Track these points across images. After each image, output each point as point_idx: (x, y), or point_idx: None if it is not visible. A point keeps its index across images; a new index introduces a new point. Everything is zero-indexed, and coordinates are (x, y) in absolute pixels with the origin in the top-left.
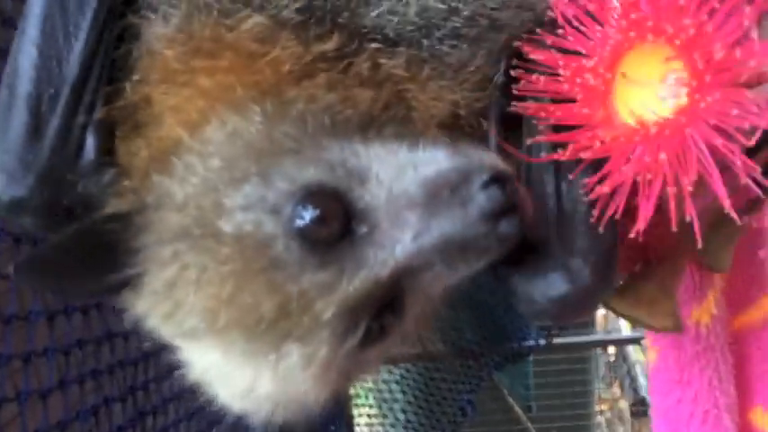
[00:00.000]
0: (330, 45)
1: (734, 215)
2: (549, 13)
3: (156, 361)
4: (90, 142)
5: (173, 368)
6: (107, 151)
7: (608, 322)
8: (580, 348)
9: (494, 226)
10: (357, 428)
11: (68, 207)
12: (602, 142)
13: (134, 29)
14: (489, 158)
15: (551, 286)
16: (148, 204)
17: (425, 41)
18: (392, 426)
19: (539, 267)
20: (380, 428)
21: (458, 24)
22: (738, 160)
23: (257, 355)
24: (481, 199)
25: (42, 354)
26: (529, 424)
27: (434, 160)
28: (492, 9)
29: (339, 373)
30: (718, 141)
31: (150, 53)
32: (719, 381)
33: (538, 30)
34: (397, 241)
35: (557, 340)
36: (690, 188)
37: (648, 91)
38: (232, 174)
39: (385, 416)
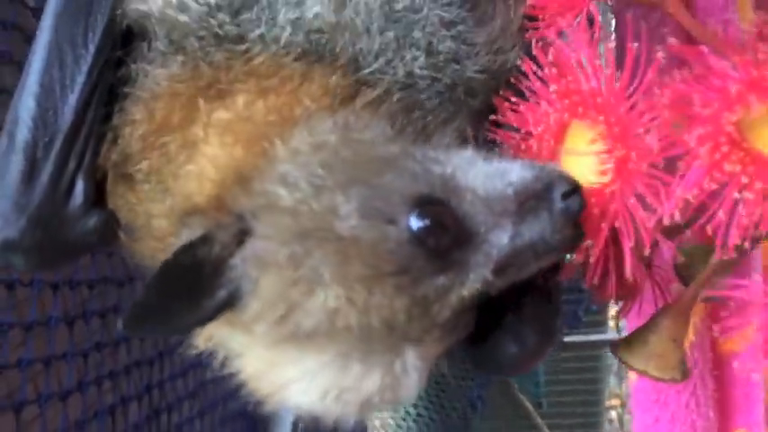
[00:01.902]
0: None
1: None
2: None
3: (171, 359)
4: (79, 187)
5: (187, 366)
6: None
7: (620, 321)
8: (592, 347)
9: (574, 230)
10: (368, 423)
11: (60, 247)
12: None
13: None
14: (564, 171)
15: (501, 352)
16: (243, 216)
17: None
18: (403, 419)
19: (491, 338)
20: (391, 421)
21: (441, 90)
22: (644, 233)
23: (374, 354)
24: (565, 205)
25: (62, 357)
26: (539, 420)
27: (516, 170)
28: (468, 77)
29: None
30: (640, 213)
31: (158, 92)
32: (697, 404)
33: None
34: (496, 245)
35: (568, 339)
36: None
37: (586, 161)
38: (336, 180)
39: (396, 410)
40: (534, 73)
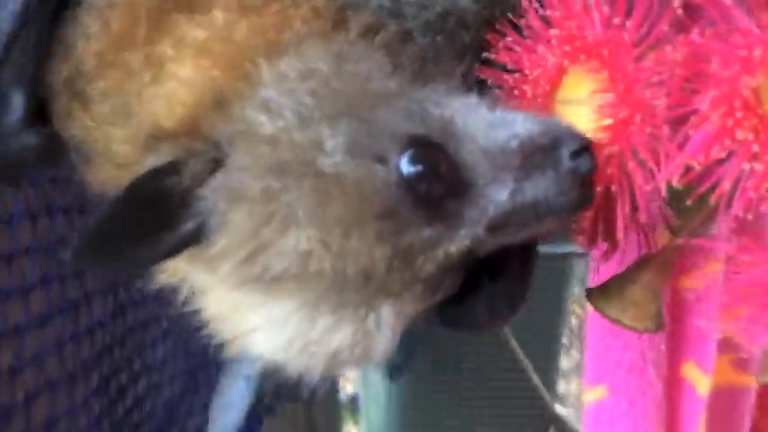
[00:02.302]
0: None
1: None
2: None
3: None
4: (17, 100)
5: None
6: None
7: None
8: (558, 258)
9: (581, 191)
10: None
11: None
12: None
13: None
14: (574, 127)
15: (472, 315)
16: (218, 143)
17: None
18: None
19: (466, 302)
20: None
21: (431, 18)
22: (641, 198)
23: (346, 307)
24: (573, 164)
25: (25, 252)
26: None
27: (522, 121)
28: (461, 7)
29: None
30: (638, 179)
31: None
32: (649, 335)
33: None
34: (494, 199)
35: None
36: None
37: (584, 113)
38: (324, 111)
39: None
40: (535, 10)
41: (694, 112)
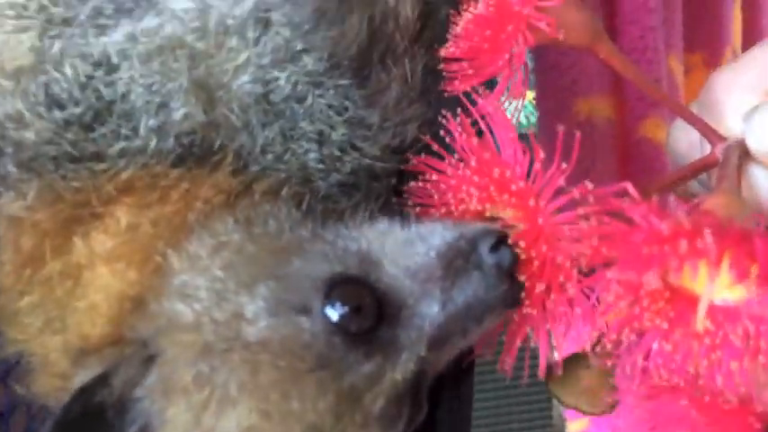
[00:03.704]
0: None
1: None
2: None
3: None
4: None
5: None
6: None
7: None
8: None
9: (510, 284)
10: None
11: None
12: None
13: None
14: (487, 225)
15: None
16: (145, 342)
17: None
18: None
19: None
20: None
21: (342, 180)
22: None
23: None
24: (495, 259)
25: None
26: None
27: (437, 232)
28: (368, 163)
29: None
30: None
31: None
32: None
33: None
34: (427, 315)
35: None
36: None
37: None
38: (240, 280)
39: None
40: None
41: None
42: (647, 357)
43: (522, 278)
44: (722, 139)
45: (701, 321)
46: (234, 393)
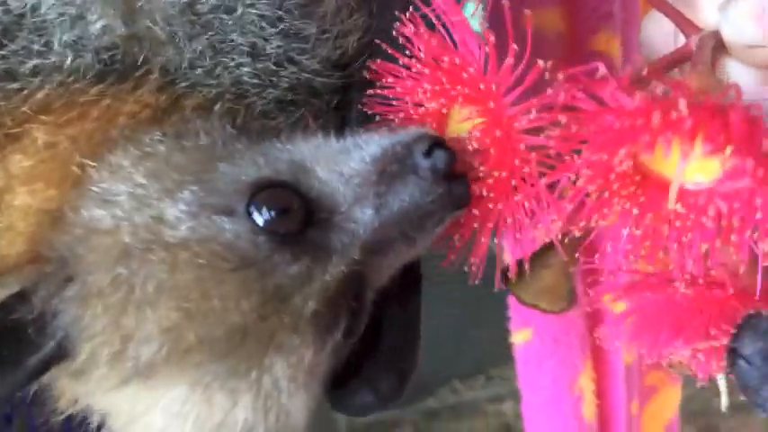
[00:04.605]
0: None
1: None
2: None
3: None
4: None
5: None
6: None
7: None
8: None
9: (448, 187)
10: None
11: None
12: None
13: None
14: (422, 129)
15: (357, 397)
16: (65, 258)
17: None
18: None
19: (349, 385)
20: None
21: (279, 96)
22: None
23: (235, 374)
24: (430, 163)
25: None
26: None
27: (372, 140)
28: (307, 77)
29: (322, 375)
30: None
31: None
32: None
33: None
34: (360, 219)
35: None
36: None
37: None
38: (163, 186)
39: None
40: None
41: (575, 174)
42: (616, 244)
43: (466, 178)
44: (697, 29)
45: (672, 203)
46: (152, 293)
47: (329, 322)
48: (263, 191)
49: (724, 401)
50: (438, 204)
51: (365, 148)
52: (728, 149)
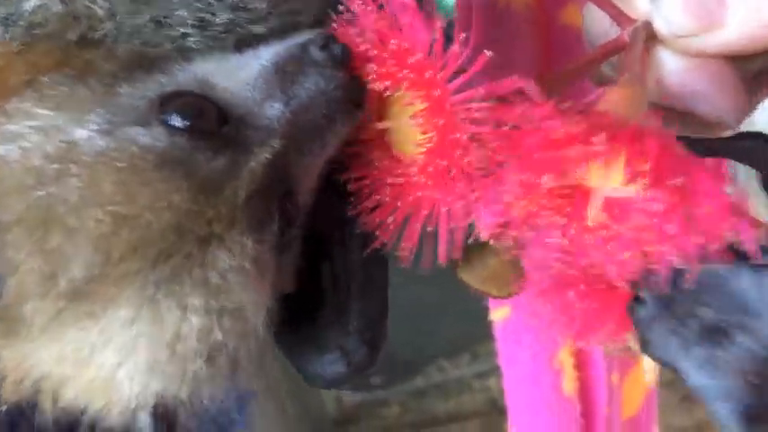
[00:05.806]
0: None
1: None
2: None
3: None
4: None
5: None
6: None
7: None
8: None
9: (349, 77)
10: None
11: None
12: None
13: None
14: (314, 30)
15: (328, 367)
16: None
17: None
18: None
19: (315, 348)
20: None
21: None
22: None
23: (178, 278)
24: (327, 53)
25: None
26: None
27: (268, 48)
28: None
29: (271, 276)
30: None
31: None
32: None
33: None
34: (273, 112)
35: None
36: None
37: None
38: (70, 116)
39: None
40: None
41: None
42: (544, 251)
43: (360, 73)
44: (631, 21)
45: (594, 217)
46: (75, 204)
47: (262, 213)
48: (171, 101)
49: None
50: (342, 91)
51: (263, 56)
52: (645, 176)
